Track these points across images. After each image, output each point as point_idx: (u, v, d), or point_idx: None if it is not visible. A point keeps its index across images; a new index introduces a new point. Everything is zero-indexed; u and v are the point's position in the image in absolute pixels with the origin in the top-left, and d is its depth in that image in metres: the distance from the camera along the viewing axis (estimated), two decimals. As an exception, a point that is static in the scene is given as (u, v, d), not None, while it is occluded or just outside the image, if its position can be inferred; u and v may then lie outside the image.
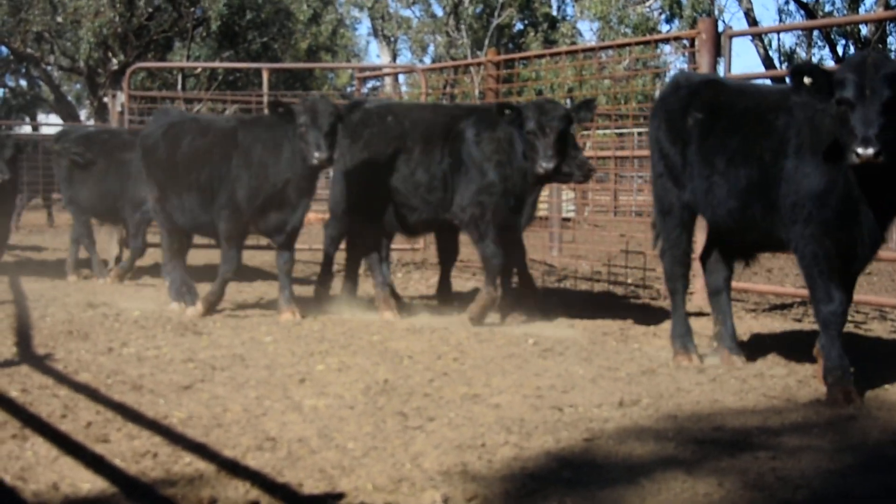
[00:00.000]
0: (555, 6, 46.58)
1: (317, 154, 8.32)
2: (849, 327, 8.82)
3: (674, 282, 7.33)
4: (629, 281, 11.63)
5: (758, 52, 41.24)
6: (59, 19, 36.76)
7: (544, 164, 8.21)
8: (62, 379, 6.24)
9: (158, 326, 8.31)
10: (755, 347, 7.72)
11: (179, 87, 39.65)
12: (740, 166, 6.54)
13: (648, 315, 9.21)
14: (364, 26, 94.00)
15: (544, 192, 11.36)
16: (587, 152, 11.35)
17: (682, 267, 7.31)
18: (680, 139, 7.05)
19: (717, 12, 43.03)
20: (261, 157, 8.79)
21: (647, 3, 42.34)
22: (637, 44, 11.90)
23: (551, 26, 45.36)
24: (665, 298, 10.48)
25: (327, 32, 50.98)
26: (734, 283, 10.20)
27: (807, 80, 5.78)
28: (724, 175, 6.65)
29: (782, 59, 45.86)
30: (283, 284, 8.99)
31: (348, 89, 50.65)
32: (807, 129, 6.10)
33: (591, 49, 12.67)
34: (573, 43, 41.52)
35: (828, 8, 41.79)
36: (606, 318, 8.91)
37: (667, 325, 8.68)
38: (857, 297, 9.37)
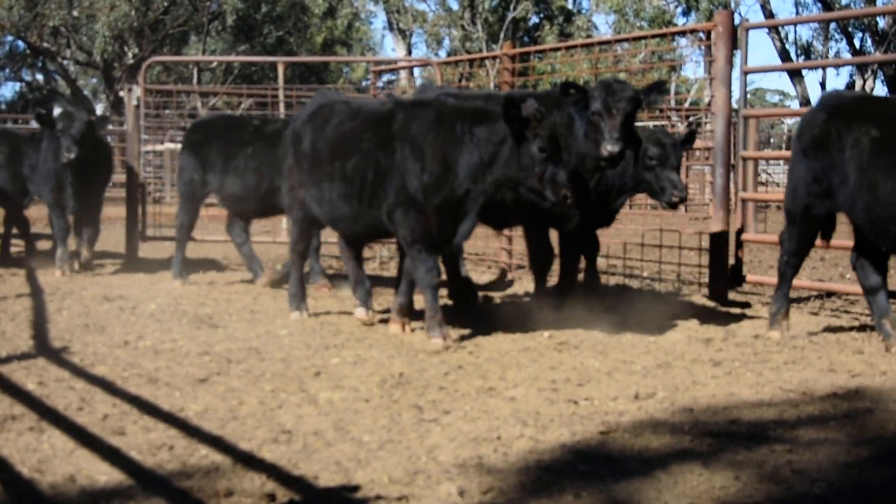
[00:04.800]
0: (570, -1, 46.53)
1: (609, 147, 7.61)
2: (867, 321, 8.78)
3: (788, 268, 7.91)
4: (645, 274, 11.61)
5: (774, 44, 41.12)
6: (75, 13, 36.91)
7: (609, 147, 7.78)
8: (78, 372, 6.26)
9: (174, 319, 8.33)
10: (770, 341, 7.71)
11: (195, 80, 39.77)
12: None
13: (664, 308, 9.19)
14: (379, 20, 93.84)
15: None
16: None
17: (799, 259, 7.94)
18: (840, 153, 7.28)
19: (733, 5, 42.92)
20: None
21: (663, -4, 42.26)
22: (653, 37, 11.84)
23: (567, 19, 45.36)
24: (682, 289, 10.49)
25: (342, 26, 51.14)
26: (751, 278, 10.21)
27: None
28: None
29: (799, 51, 45.72)
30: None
31: (363, 83, 50.75)
32: None
33: (607, 42, 12.64)
34: (589, 36, 41.47)
35: (845, 0, 41.59)
36: (622, 311, 8.88)
37: (682, 318, 8.69)
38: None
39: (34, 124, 15.02)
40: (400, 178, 7.55)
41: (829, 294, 10.30)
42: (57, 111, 11.49)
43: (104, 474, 4.28)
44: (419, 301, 8.87)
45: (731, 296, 9.94)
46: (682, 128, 21.42)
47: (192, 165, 11.07)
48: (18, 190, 12.54)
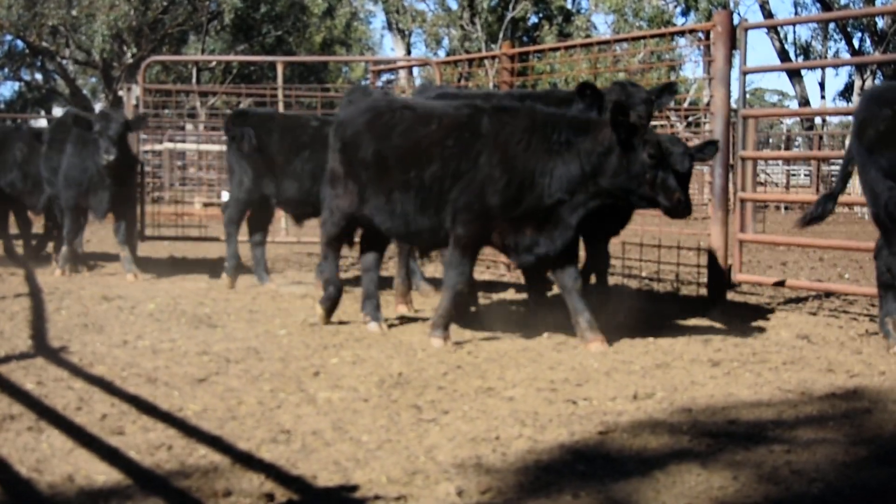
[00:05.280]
0: (569, -1, 46.55)
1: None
2: (865, 321, 8.79)
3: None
4: (643, 274, 11.61)
5: (773, 44, 41.21)
6: (75, 13, 36.93)
7: None
8: (77, 371, 6.26)
9: (173, 319, 8.33)
10: (769, 341, 7.71)
11: (194, 80, 39.79)
12: None
13: (662, 308, 9.19)
14: (378, 20, 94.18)
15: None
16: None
17: None
18: None
19: (732, 4, 42.96)
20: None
21: (662, -4, 42.30)
22: (652, 36, 11.84)
23: (566, 19, 45.37)
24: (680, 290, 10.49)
25: (341, 26, 51.15)
26: (747, 277, 10.21)
27: None
28: None
29: (798, 51, 45.79)
30: (577, 308, 7.51)
31: (362, 82, 50.74)
32: None
33: (606, 42, 12.65)
34: (588, 36, 41.47)
35: (844, 0, 41.62)
36: (620, 312, 8.88)
37: (680, 319, 8.69)
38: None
39: (32, 122, 14.93)
40: (479, 184, 7.28)
41: (828, 294, 10.31)
42: (57, 111, 11.49)
43: (102, 474, 4.28)
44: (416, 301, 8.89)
45: (730, 296, 9.95)
46: (680, 128, 21.40)
47: (248, 169, 10.79)
48: (28, 190, 12.43)
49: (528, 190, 7.25)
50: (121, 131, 10.95)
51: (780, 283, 10.01)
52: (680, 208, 7.09)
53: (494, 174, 7.26)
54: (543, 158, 7.22)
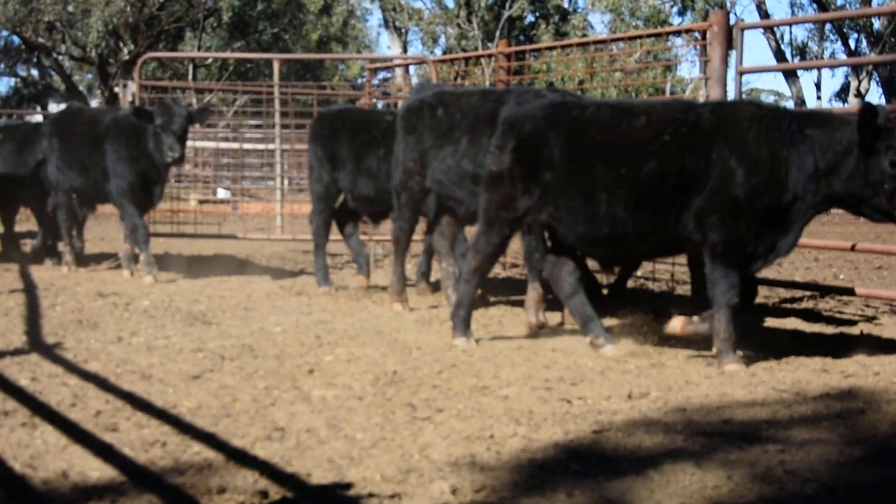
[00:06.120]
0: (566, -2, 46.59)
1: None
2: (860, 322, 8.80)
3: None
4: (638, 273, 11.60)
5: (769, 45, 41.22)
6: (71, 9, 36.87)
7: None
8: (72, 368, 6.26)
9: (168, 316, 8.33)
10: (764, 340, 7.71)
11: (190, 77, 39.78)
12: None
13: (657, 308, 9.18)
14: (375, 17, 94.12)
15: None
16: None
17: None
18: None
19: (728, 4, 42.98)
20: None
21: (659, -4, 42.35)
22: (648, 36, 11.84)
23: (562, 18, 45.38)
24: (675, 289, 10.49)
25: (338, 23, 51.15)
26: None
27: None
28: None
29: (794, 52, 45.85)
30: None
31: (359, 80, 50.74)
32: None
33: (603, 41, 12.63)
34: (584, 35, 41.48)
35: (840, 1, 41.67)
36: (615, 311, 8.88)
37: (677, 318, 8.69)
38: (868, 291, 9.37)
39: (28, 118, 14.80)
40: (717, 179, 6.57)
41: (823, 294, 10.31)
42: (52, 107, 11.28)
43: (96, 470, 4.27)
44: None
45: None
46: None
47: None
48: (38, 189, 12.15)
49: (771, 179, 6.55)
50: (185, 125, 10.48)
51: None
52: None
53: (731, 164, 6.57)
54: (777, 147, 6.56)
